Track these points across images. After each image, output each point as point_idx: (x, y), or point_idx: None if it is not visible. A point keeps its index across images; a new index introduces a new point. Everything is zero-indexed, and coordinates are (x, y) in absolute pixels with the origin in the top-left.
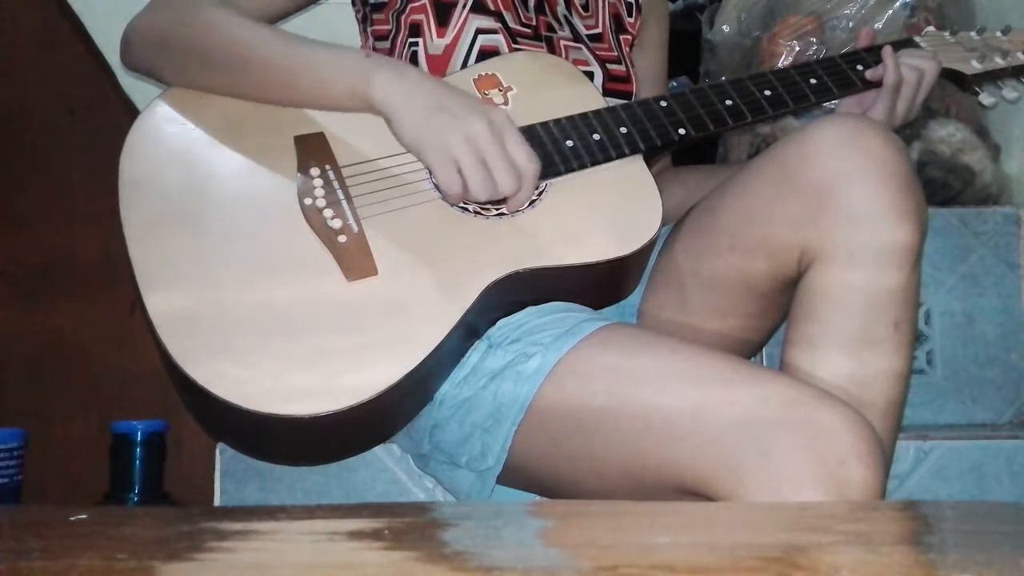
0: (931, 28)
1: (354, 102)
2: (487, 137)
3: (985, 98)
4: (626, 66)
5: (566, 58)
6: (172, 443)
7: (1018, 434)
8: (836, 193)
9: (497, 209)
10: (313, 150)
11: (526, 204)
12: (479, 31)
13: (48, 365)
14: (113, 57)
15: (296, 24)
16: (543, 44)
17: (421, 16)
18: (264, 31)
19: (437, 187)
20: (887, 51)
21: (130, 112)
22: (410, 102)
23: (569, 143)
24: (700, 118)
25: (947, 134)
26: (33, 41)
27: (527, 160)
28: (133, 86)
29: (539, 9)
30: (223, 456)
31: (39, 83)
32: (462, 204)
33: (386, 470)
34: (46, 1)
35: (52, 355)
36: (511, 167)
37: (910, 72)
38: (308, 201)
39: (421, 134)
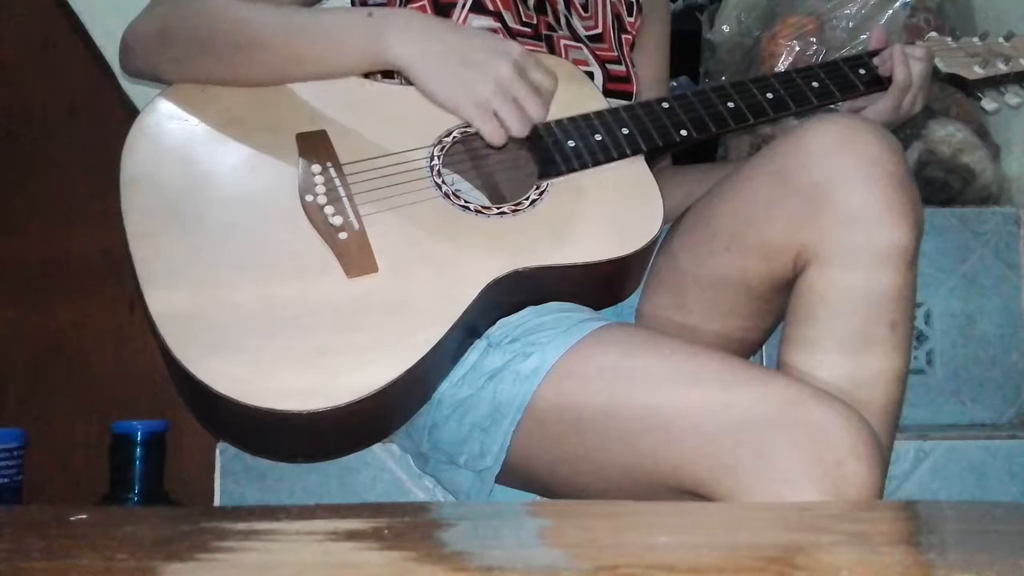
0: (934, 33)
1: (368, 63)
2: (514, 78)
3: (988, 103)
4: (626, 66)
5: (566, 58)
6: (172, 443)
7: (1018, 434)
8: (831, 194)
9: (498, 208)
10: (315, 147)
11: (518, 201)
12: None
13: (48, 365)
14: (113, 57)
15: None
16: (543, 44)
17: None
18: (264, 9)
19: (435, 170)
20: (897, 49)
21: (130, 112)
22: (432, 59)
23: (571, 143)
24: (702, 120)
25: (947, 134)
26: (33, 41)
27: (549, 82)
28: (133, 86)
29: (539, 8)
30: (223, 456)
31: (39, 83)
32: (463, 202)
33: (386, 470)
34: (46, 1)
35: (52, 355)
36: (538, 96)
37: (918, 65)
38: (309, 198)
39: (454, 91)
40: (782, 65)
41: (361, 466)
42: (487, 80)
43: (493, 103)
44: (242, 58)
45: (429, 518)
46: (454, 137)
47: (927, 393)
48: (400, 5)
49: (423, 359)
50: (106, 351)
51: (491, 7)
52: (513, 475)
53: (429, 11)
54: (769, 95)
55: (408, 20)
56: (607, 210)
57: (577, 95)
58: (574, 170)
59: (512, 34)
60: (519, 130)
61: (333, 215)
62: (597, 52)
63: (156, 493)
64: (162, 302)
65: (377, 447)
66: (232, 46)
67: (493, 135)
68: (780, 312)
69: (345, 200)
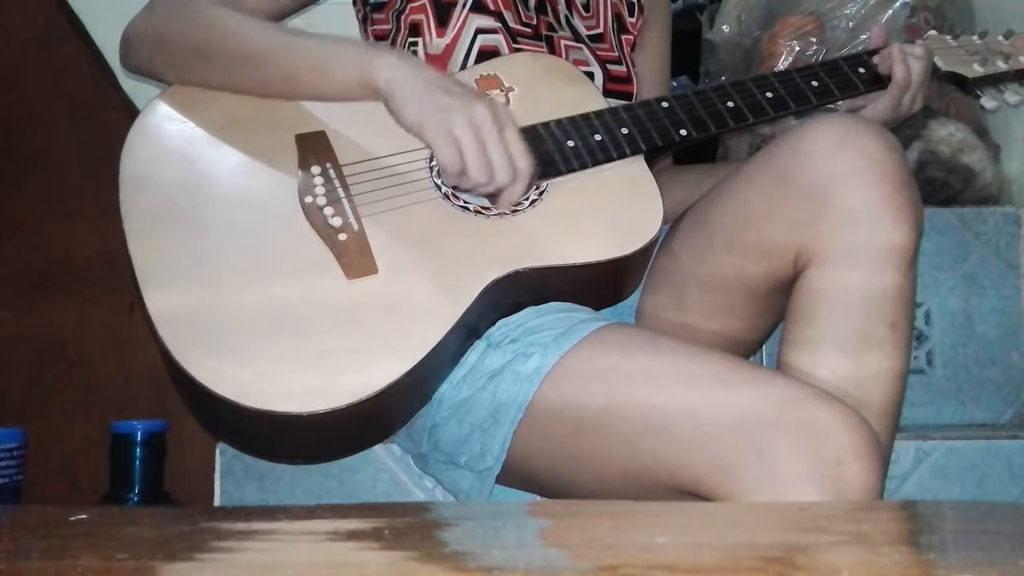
0: (933, 32)
1: (358, 90)
2: (489, 123)
3: (987, 101)
4: (627, 66)
5: (566, 58)
6: (172, 443)
7: (1018, 434)
8: (831, 194)
9: (498, 208)
10: (314, 148)
11: (517, 201)
12: (479, 31)
13: (48, 365)
14: (113, 57)
15: (296, 24)
16: (543, 44)
17: (421, 16)
18: (261, 26)
19: (435, 171)
20: (896, 47)
21: (130, 112)
22: (413, 84)
23: (570, 143)
24: (701, 119)
25: (947, 134)
26: (33, 41)
27: (523, 155)
28: (133, 86)
29: (540, 9)
30: (223, 456)
31: (39, 83)
32: (463, 203)
33: (386, 470)
34: (46, 1)
35: (52, 355)
36: (508, 158)
37: (917, 63)
38: (309, 199)
39: (424, 113)
40: (782, 65)
41: (361, 466)
42: (460, 111)
43: (458, 132)
44: (235, 72)
45: (429, 518)
46: None
47: (927, 393)
48: (400, 5)
49: (423, 360)
50: (106, 351)
51: (491, 7)
52: (513, 475)
53: (430, 11)
54: (769, 94)
55: (404, 55)
56: (607, 210)
57: (577, 95)
58: (574, 170)
59: (513, 34)
60: (478, 174)
61: (332, 216)
62: (598, 52)
63: (156, 493)
64: (161, 303)
65: (377, 447)
66: (226, 60)
67: (450, 163)
68: (780, 312)
69: (344, 201)
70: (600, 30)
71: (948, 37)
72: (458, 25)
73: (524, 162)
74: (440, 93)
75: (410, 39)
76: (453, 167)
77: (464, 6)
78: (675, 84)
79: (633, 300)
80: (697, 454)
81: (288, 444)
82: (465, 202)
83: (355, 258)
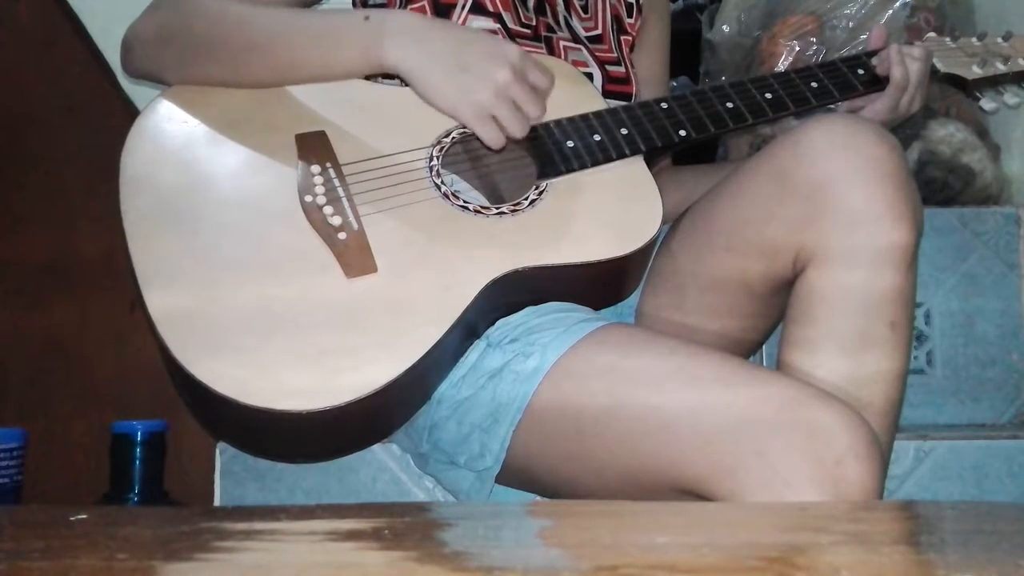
0: (932, 34)
1: (366, 67)
2: (513, 83)
3: (987, 103)
4: (626, 67)
5: (565, 59)
6: (172, 443)
7: (1018, 434)
8: (831, 194)
9: (497, 208)
10: (314, 148)
11: (517, 201)
12: None
13: (48, 365)
14: (113, 57)
15: None
16: (542, 45)
17: None
18: (264, 12)
19: (435, 170)
20: (895, 48)
21: (130, 112)
22: (430, 65)
23: (570, 144)
24: (700, 120)
25: (947, 134)
26: (33, 41)
27: (547, 82)
28: (133, 86)
29: (539, 10)
30: (223, 456)
31: (39, 83)
32: (463, 202)
33: (386, 470)
34: (46, 1)
35: (52, 355)
36: (536, 97)
37: (915, 64)
38: (308, 198)
39: (453, 97)
40: (782, 65)
41: (361, 466)
42: (486, 85)
43: (492, 108)
44: (242, 61)
45: (429, 518)
46: (453, 138)
47: (927, 393)
48: (400, 6)
49: (423, 359)
50: (106, 351)
51: (491, 8)
52: (513, 475)
53: (429, 12)
54: (768, 95)
55: (404, 24)
56: (606, 210)
57: (576, 96)
58: (573, 170)
59: (511, 35)
60: (519, 132)
61: (332, 215)
62: (596, 53)
63: (156, 493)
64: (161, 303)
65: (377, 447)
66: (231, 50)
67: (492, 139)
68: (780, 312)
69: (344, 200)
70: (599, 31)
71: (947, 39)
72: None
73: (549, 84)
74: (460, 73)
75: None
76: (495, 141)
77: (463, 7)
78: (675, 84)
79: (633, 300)
80: (697, 454)
81: (288, 443)
82: (465, 201)
83: (355, 257)
